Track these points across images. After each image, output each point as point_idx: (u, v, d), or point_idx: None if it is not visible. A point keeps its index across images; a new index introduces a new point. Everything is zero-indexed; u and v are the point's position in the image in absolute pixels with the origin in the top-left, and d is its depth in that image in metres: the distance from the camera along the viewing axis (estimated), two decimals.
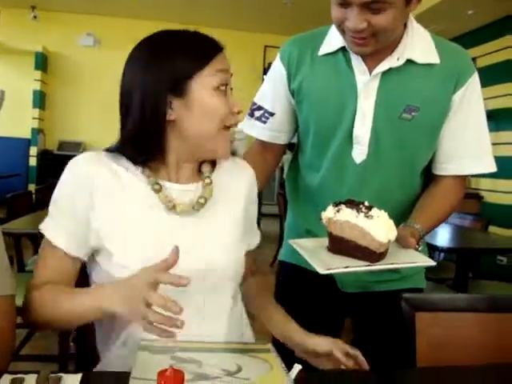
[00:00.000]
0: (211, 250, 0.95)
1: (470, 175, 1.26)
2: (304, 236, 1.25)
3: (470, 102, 1.15)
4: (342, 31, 1.08)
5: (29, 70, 6.76)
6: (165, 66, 0.91)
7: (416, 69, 1.13)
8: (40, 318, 0.89)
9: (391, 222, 0.92)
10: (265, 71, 7.22)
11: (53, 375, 0.77)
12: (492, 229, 4.74)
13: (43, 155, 6.89)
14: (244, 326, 1.04)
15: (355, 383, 0.87)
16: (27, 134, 6.79)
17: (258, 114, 1.31)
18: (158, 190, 0.92)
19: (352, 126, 1.15)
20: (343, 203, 0.94)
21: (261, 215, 4.75)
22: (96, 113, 7.02)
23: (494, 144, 4.32)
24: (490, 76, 5.41)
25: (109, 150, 0.98)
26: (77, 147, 6.93)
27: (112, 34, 7.04)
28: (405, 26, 1.13)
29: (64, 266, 0.93)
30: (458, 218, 3.80)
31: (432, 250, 2.68)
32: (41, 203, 3.25)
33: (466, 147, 1.18)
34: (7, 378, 0.76)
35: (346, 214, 0.91)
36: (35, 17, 6.62)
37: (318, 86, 1.19)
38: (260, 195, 1.21)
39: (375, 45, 1.08)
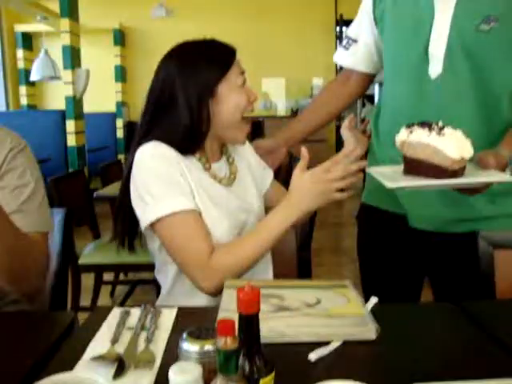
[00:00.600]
0: (249, 205, 1.20)
1: None
2: None
3: None
4: None
5: (109, 46, 7.07)
6: (199, 75, 1.10)
7: None
8: (235, 274, 1.02)
9: (466, 141, 0.90)
10: (337, 23, 6.97)
11: (153, 309, 0.89)
12: None
13: (128, 126, 7.21)
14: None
15: (432, 314, 0.90)
16: (112, 108, 7.16)
17: (344, 42, 1.41)
18: (208, 169, 1.15)
19: (429, 41, 1.14)
20: (416, 124, 0.93)
21: None
22: None
23: None
24: None
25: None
26: None
27: (182, 3, 7.13)
28: None
29: (203, 223, 1.06)
30: None
31: None
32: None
33: None
34: (117, 310, 0.89)
35: (419, 135, 0.91)
36: None
37: (398, 10, 1.21)
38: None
39: None
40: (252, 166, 1.31)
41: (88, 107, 5.77)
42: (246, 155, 1.31)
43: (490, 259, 1.00)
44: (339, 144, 6.44)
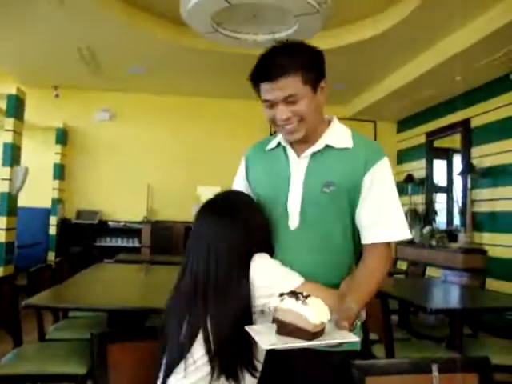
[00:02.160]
0: None
1: (393, 242, 1.43)
2: None
3: (380, 182, 1.40)
4: (277, 126, 1.41)
5: (50, 144, 7.20)
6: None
7: (333, 151, 1.43)
8: None
9: (324, 307, 1.13)
10: (270, 135, 7.49)
11: None
12: (496, 283, 4.85)
13: (62, 224, 7.19)
14: None
15: None
16: (47, 204, 7.13)
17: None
18: None
19: (287, 200, 1.44)
20: (286, 294, 1.15)
21: None
22: (111, 182, 7.40)
23: (491, 200, 4.56)
24: (485, 135, 5.67)
25: None
26: (94, 215, 7.25)
27: (126, 108, 7.51)
28: (329, 124, 1.48)
29: None
30: (455, 276, 3.94)
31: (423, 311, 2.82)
32: (60, 273, 3.49)
33: (378, 219, 1.39)
34: None
35: (288, 303, 1.12)
36: (57, 95, 7.13)
37: (264, 174, 1.54)
38: None
39: (302, 129, 1.40)
40: None
41: (22, 201, 5.76)
42: None
43: None
44: None
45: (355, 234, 1.45)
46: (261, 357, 1.33)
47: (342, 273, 1.43)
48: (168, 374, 1.32)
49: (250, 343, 1.26)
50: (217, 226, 1.37)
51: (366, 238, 1.41)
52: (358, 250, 1.48)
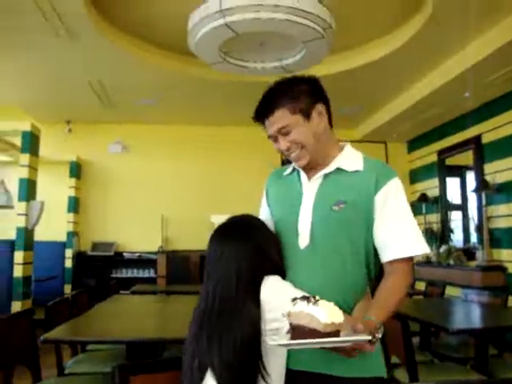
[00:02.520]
0: None
1: (413, 257, 1.43)
2: None
3: (393, 200, 1.43)
4: (285, 155, 1.51)
5: (64, 177, 7.31)
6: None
7: (345, 174, 1.47)
8: None
9: (336, 309, 1.14)
10: (282, 163, 7.56)
11: None
12: None
13: (78, 256, 7.23)
14: None
15: None
16: (63, 238, 7.19)
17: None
18: None
19: (297, 220, 1.48)
20: (299, 298, 1.17)
21: None
22: (125, 214, 7.46)
23: (508, 216, 4.50)
24: (497, 150, 5.63)
25: None
26: (109, 247, 7.28)
27: (137, 139, 7.62)
28: (341, 150, 1.54)
29: None
30: (475, 295, 3.87)
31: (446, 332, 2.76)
32: (77, 306, 3.49)
33: (395, 236, 1.40)
34: None
35: (300, 306, 1.14)
36: (70, 130, 7.27)
37: (280, 198, 1.60)
38: None
39: (306, 155, 1.46)
40: None
41: (38, 235, 5.82)
42: None
43: None
44: None
45: (369, 256, 1.45)
46: (278, 372, 1.32)
47: (354, 294, 1.43)
48: None
49: (258, 367, 1.26)
50: (227, 249, 1.38)
51: (385, 256, 1.42)
52: (372, 273, 1.48)
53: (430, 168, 7.27)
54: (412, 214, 1.46)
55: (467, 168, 6.53)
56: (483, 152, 5.91)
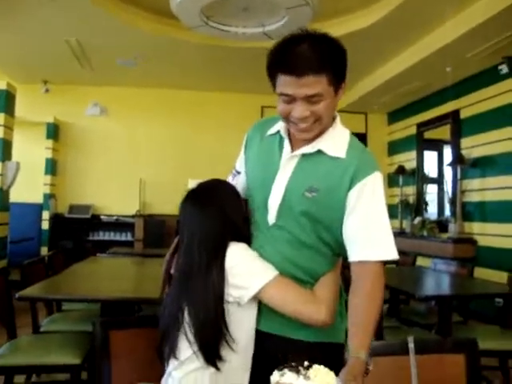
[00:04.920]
0: None
1: (382, 261, 1.32)
2: None
3: (367, 198, 1.33)
4: (288, 121, 1.35)
5: (41, 139, 7.18)
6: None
7: (324, 158, 1.37)
8: None
9: (330, 375, 1.02)
10: None
11: None
12: (485, 272, 4.92)
13: (55, 219, 7.20)
14: None
15: None
16: (39, 199, 7.14)
17: (233, 171, 1.65)
18: None
19: (269, 195, 1.41)
20: (285, 367, 1.03)
21: None
22: (103, 177, 7.40)
23: (480, 190, 4.58)
24: (474, 125, 5.72)
25: None
26: (86, 210, 7.25)
27: (116, 102, 7.49)
28: (332, 122, 1.40)
29: None
30: (445, 265, 4.00)
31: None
32: (53, 267, 3.51)
33: (367, 236, 1.31)
34: None
35: (289, 377, 1.01)
36: (47, 90, 7.11)
37: (257, 161, 1.50)
38: None
39: (315, 130, 1.34)
40: None
41: (14, 197, 5.76)
42: None
43: None
44: None
45: (331, 244, 1.41)
46: (245, 336, 1.35)
47: (315, 276, 1.41)
48: (167, 362, 1.35)
49: (226, 325, 1.29)
50: (194, 214, 1.39)
51: (354, 255, 1.33)
52: (335, 259, 1.44)
53: (409, 141, 7.35)
54: (387, 215, 1.36)
55: (445, 142, 6.62)
56: (461, 127, 6.00)
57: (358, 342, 1.21)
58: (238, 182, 1.62)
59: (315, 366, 1.02)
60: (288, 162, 1.40)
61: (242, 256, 1.35)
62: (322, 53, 1.25)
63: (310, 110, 1.28)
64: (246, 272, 1.33)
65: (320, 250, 1.41)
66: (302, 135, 1.36)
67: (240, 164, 1.62)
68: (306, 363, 1.03)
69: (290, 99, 1.28)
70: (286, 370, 1.02)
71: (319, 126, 1.33)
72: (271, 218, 1.41)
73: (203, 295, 1.30)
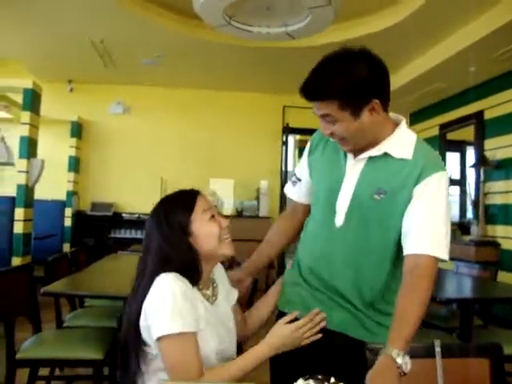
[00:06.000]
0: (228, 323, 1.46)
1: (434, 258, 1.31)
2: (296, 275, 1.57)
3: (431, 194, 1.34)
4: None
5: (65, 137, 7.30)
6: (172, 224, 1.37)
7: (392, 160, 1.39)
8: None
9: None
10: (283, 130, 7.57)
11: None
12: (509, 276, 4.84)
13: (77, 216, 7.30)
14: None
15: None
16: (63, 197, 7.25)
17: (293, 178, 1.70)
18: (206, 296, 1.42)
19: (337, 198, 1.44)
20: (312, 378, 1.02)
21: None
22: (125, 175, 7.49)
23: (504, 192, 4.50)
24: (498, 127, 5.63)
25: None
26: (108, 207, 7.34)
27: (139, 101, 7.56)
28: (394, 127, 1.43)
29: (198, 344, 1.28)
30: (467, 268, 3.94)
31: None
32: (76, 264, 3.57)
33: (425, 230, 1.31)
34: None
35: None
36: (71, 89, 7.23)
37: (322, 166, 1.54)
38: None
39: (348, 145, 1.39)
40: (225, 285, 1.56)
41: (38, 194, 5.87)
42: (220, 276, 1.55)
43: None
44: None
45: (397, 248, 1.40)
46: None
47: (373, 287, 1.43)
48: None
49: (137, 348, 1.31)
50: (149, 226, 1.41)
51: (408, 248, 1.33)
52: (398, 268, 1.41)
53: (431, 142, 7.25)
54: (447, 215, 1.35)
55: (468, 143, 6.53)
56: (484, 128, 5.90)
57: (391, 338, 1.18)
58: (300, 189, 1.67)
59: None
60: (355, 166, 1.43)
61: (160, 291, 1.27)
62: (328, 80, 1.29)
63: (329, 129, 1.36)
64: (151, 310, 1.27)
65: (384, 254, 1.41)
66: (342, 148, 1.44)
67: (301, 171, 1.66)
68: (332, 379, 1.01)
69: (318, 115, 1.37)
70: (310, 381, 1.01)
71: (348, 143, 1.38)
72: (339, 220, 1.44)
73: (130, 310, 1.34)
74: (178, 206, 1.41)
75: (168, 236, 1.36)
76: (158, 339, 1.24)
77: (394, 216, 1.37)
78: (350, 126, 1.32)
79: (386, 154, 1.39)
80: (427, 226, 1.32)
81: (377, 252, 1.41)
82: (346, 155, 1.47)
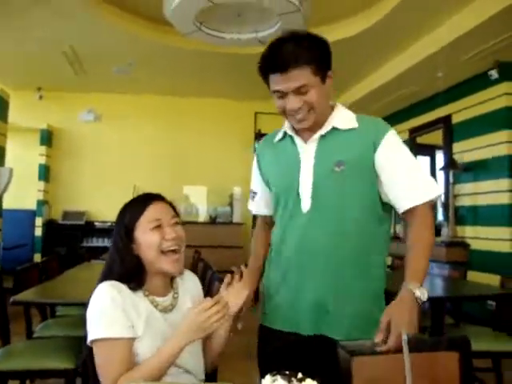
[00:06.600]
0: None
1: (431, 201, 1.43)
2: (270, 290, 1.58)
3: (394, 152, 1.45)
4: (286, 115, 1.47)
5: (34, 145, 7.18)
6: (120, 227, 1.38)
7: (341, 133, 1.48)
8: None
9: None
10: (256, 137, 7.59)
11: None
12: (478, 275, 4.95)
13: (49, 225, 7.17)
14: None
15: None
16: (33, 206, 7.11)
17: (251, 194, 1.73)
18: (154, 303, 1.37)
19: (299, 185, 1.48)
20: (279, 373, 1.00)
21: None
22: (97, 183, 7.39)
23: (473, 194, 4.58)
24: (465, 130, 5.76)
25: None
26: (80, 216, 7.23)
27: (110, 108, 7.50)
28: (332, 109, 1.52)
29: (127, 351, 1.26)
30: (438, 269, 4.02)
31: None
32: (47, 273, 3.49)
33: (408, 187, 1.42)
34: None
35: None
36: (40, 97, 7.11)
37: (274, 164, 1.59)
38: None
39: (311, 118, 1.44)
40: (194, 298, 1.49)
41: (7, 203, 5.74)
42: (190, 287, 1.51)
43: (348, 366, 1.21)
44: None
45: (378, 215, 1.47)
46: None
47: (367, 256, 1.47)
48: None
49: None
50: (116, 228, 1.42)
51: (402, 206, 1.43)
52: (387, 235, 1.53)
53: None
54: (416, 160, 1.49)
55: (437, 147, 6.66)
56: (452, 132, 6.04)
57: (408, 276, 1.32)
58: (259, 201, 1.69)
59: (308, 380, 0.99)
60: (308, 149, 1.50)
61: (98, 300, 1.29)
62: (302, 47, 1.38)
63: (301, 100, 1.40)
64: (88, 316, 1.29)
65: (365, 229, 1.46)
66: (300, 125, 1.47)
67: (255, 183, 1.70)
68: (299, 375, 1.00)
69: (282, 94, 1.41)
70: (278, 377, 1.00)
71: (314, 113, 1.43)
72: (305, 205, 1.47)
73: None
74: (129, 210, 1.40)
75: (115, 237, 1.38)
76: (91, 344, 1.28)
77: (363, 185, 1.45)
78: (321, 91, 1.41)
79: (334, 129, 1.48)
80: (408, 178, 1.43)
81: (358, 229, 1.45)
82: (294, 145, 1.52)
